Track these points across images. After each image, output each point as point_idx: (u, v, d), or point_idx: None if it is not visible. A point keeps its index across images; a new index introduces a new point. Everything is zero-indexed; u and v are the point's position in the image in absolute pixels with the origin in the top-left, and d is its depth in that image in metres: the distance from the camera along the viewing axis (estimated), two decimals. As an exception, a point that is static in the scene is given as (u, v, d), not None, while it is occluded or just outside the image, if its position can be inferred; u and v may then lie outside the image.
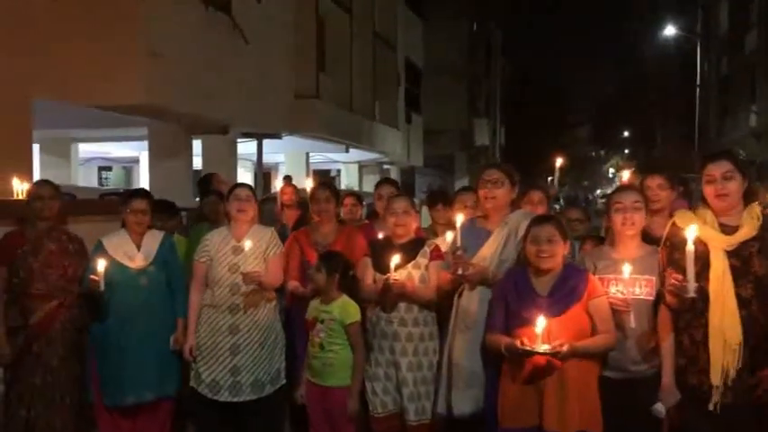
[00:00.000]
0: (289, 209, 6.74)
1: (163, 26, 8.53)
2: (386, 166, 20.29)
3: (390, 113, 18.78)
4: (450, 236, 4.10)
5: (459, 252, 3.40)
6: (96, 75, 7.96)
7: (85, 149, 14.70)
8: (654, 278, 3.22)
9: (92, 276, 3.83)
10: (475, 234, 3.59)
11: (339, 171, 19.29)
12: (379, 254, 3.90)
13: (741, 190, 3.01)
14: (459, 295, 3.56)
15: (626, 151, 54.29)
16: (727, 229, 3.01)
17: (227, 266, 4.12)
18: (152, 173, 11.11)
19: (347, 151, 15.43)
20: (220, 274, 4.14)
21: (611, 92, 52.78)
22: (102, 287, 3.81)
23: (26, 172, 7.67)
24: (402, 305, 3.77)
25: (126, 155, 16.56)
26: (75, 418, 4.05)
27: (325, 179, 5.25)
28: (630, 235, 3.30)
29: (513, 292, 3.17)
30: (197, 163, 11.99)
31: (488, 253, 3.53)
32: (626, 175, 3.87)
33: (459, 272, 3.40)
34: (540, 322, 2.86)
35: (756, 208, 3.03)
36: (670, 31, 27.45)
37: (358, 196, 6.31)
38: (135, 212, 4.15)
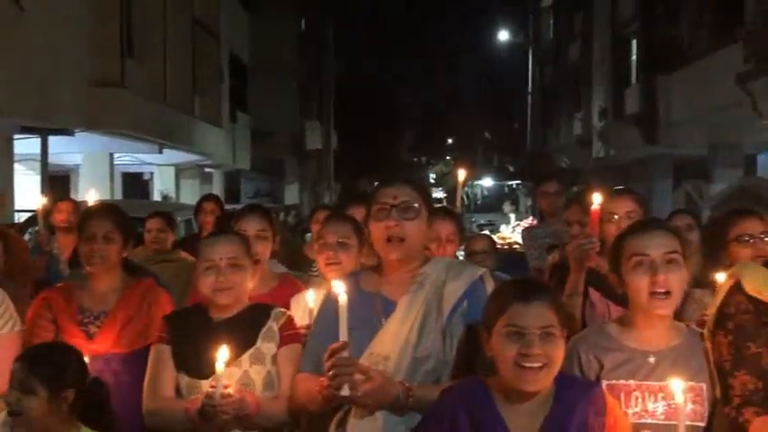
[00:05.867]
0: (65, 234, 4.79)
1: None
2: (207, 170, 18.13)
3: (213, 110, 16.71)
4: (311, 298, 2.50)
5: (344, 353, 1.81)
6: None
7: None
8: (704, 386, 1.88)
9: None
10: (363, 306, 2.01)
11: (152, 174, 16.83)
12: (184, 337, 2.22)
13: None
14: (341, 424, 1.96)
15: (447, 157, 55.90)
16: None
17: None
18: None
19: (160, 152, 13.20)
20: None
21: (437, 97, 54.17)
22: None
23: None
24: (234, 435, 2.12)
25: None
26: None
27: (102, 204, 3.44)
28: (665, 314, 1.93)
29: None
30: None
31: (392, 346, 1.95)
32: (596, 200, 2.46)
33: (345, 392, 1.81)
34: None
35: None
36: (503, 35, 27.85)
37: (167, 217, 4.52)
38: None
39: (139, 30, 12.36)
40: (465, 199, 23.27)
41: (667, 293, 1.89)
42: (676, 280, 1.90)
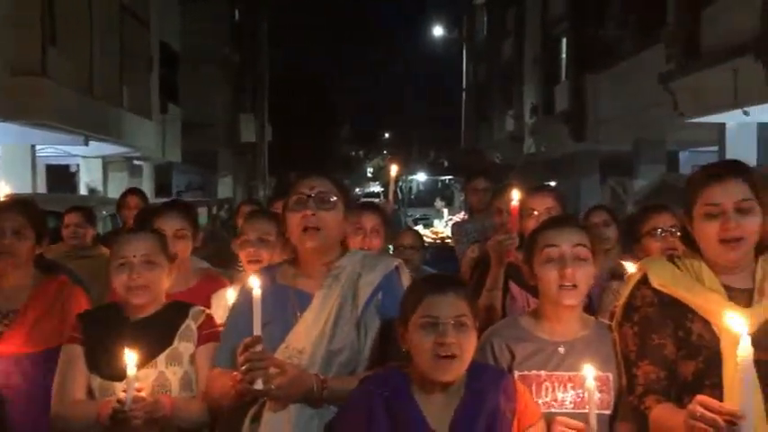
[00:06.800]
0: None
1: None
2: (137, 162, 17.62)
3: (142, 101, 16.23)
4: (232, 295, 2.46)
5: (258, 347, 1.80)
6: None
7: None
8: (611, 375, 1.95)
9: None
10: (279, 300, 2.01)
11: (79, 167, 16.23)
12: (97, 337, 2.15)
13: (759, 230, 1.82)
14: (255, 419, 1.94)
15: (385, 152, 56.19)
16: (737, 295, 1.82)
17: None
18: None
19: (86, 144, 12.74)
20: None
21: (373, 92, 54.33)
22: None
23: None
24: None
25: None
26: None
27: (13, 198, 3.27)
28: (572, 304, 2.00)
29: (384, 423, 1.66)
30: None
31: (307, 339, 1.95)
32: (515, 197, 2.53)
33: (259, 386, 1.80)
34: None
35: None
36: (438, 31, 28.09)
37: (86, 211, 4.37)
38: None
39: (63, 15, 11.89)
40: (400, 193, 23.46)
41: (574, 286, 1.97)
42: (583, 274, 1.97)
